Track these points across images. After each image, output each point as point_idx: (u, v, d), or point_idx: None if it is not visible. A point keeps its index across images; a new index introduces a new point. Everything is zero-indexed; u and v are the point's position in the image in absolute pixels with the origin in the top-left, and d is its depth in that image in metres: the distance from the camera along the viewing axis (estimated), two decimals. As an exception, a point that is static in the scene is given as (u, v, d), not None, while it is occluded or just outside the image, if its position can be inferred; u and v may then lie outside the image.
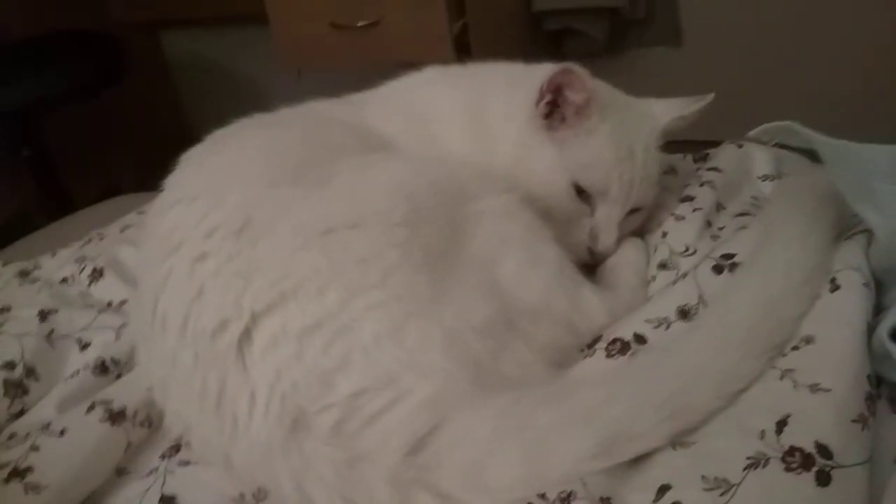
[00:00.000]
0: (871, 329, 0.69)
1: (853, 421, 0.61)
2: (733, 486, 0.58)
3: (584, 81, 0.90)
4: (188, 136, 0.90)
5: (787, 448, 0.60)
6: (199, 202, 0.79)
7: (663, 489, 0.60)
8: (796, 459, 0.59)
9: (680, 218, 0.94)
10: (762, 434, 0.61)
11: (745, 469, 0.59)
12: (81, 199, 2.03)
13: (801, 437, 0.60)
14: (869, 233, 0.74)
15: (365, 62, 1.97)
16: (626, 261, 0.93)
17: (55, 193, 2.43)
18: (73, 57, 2.35)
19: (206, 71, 3.02)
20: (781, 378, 0.66)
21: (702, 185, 1.00)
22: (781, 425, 0.61)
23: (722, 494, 0.58)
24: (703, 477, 0.60)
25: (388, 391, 0.68)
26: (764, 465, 0.59)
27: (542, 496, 0.62)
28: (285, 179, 0.80)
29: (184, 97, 3.14)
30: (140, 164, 1.94)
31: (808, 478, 0.58)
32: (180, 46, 3.06)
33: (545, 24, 2.40)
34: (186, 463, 0.78)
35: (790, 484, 0.58)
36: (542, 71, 0.93)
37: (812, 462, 0.58)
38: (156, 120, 2.87)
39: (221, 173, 0.84)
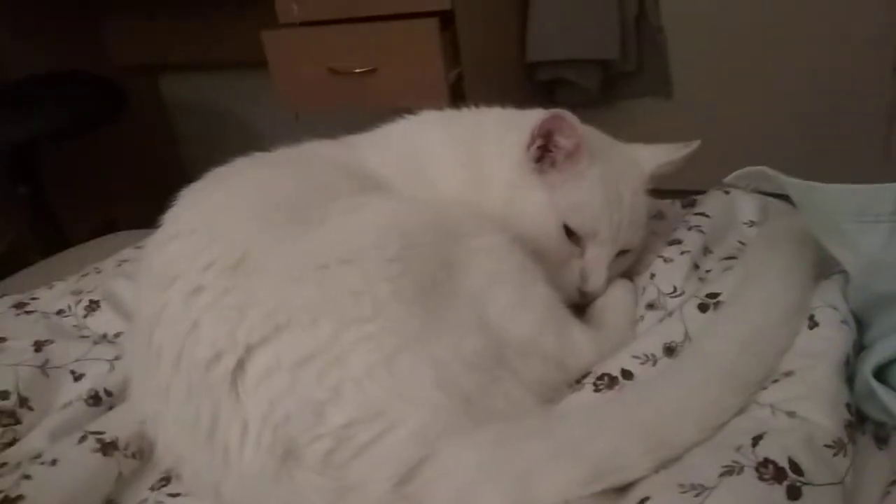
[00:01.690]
0: (853, 367, 0.71)
1: (826, 446, 0.63)
2: (708, 489, 0.60)
3: (574, 127, 0.93)
4: (184, 177, 0.92)
5: (761, 459, 0.62)
6: (196, 237, 0.80)
7: (642, 501, 0.62)
8: (769, 471, 0.61)
9: (668, 260, 0.96)
10: (739, 448, 0.63)
11: (720, 476, 0.61)
12: (76, 238, 2.05)
13: (775, 451, 0.62)
14: (846, 273, 0.77)
15: (362, 108, 2.01)
16: (615, 301, 0.95)
17: (50, 231, 2.44)
18: (70, 97, 2.39)
19: (204, 113, 3.07)
20: (760, 407, 0.69)
21: (689, 229, 1.02)
22: (757, 440, 0.64)
23: (697, 496, 0.60)
24: (679, 485, 0.62)
25: (379, 422, 0.69)
26: (738, 473, 0.61)
27: None
28: (282, 217, 0.81)
29: (181, 139, 3.18)
30: (136, 205, 1.96)
31: (780, 490, 0.59)
32: (179, 89, 3.11)
33: (538, 75, 2.46)
34: (176, 495, 0.78)
35: (762, 492, 0.59)
36: (534, 116, 0.96)
37: (784, 475, 0.60)
38: (153, 161, 2.91)
39: (219, 209, 0.85)
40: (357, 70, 2.02)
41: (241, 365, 0.71)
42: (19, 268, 1.48)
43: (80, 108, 2.38)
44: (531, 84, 2.48)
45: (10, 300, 1.12)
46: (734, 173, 0.80)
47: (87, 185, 2.64)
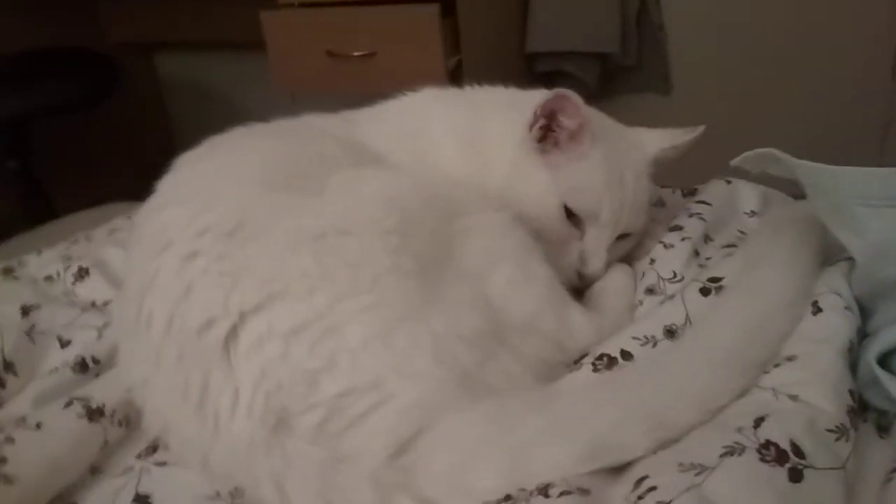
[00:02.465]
0: (856, 354, 0.71)
1: (828, 430, 0.62)
2: (708, 468, 0.59)
3: (578, 107, 0.92)
4: (175, 156, 0.90)
5: (762, 441, 0.61)
6: (191, 203, 0.79)
7: (641, 480, 0.61)
8: (771, 453, 0.60)
9: (669, 246, 0.95)
10: (740, 429, 0.63)
11: (721, 456, 0.60)
12: (65, 213, 2.03)
13: (777, 434, 0.61)
14: (852, 260, 0.76)
15: (359, 91, 1.98)
16: (613, 285, 0.94)
17: (39, 206, 2.41)
18: (65, 72, 2.36)
19: (197, 93, 3.05)
20: (762, 391, 0.68)
21: (690, 216, 1.01)
22: (759, 421, 0.63)
23: (697, 475, 0.59)
24: (679, 464, 0.61)
25: (374, 393, 0.68)
26: (740, 454, 0.60)
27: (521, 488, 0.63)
28: (279, 186, 0.80)
29: (173, 118, 3.15)
30: (125, 182, 1.94)
31: (782, 472, 0.59)
32: (173, 68, 3.08)
33: (538, 66, 2.44)
34: (163, 464, 0.76)
35: (764, 473, 0.59)
36: (537, 96, 0.94)
37: (786, 458, 0.59)
38: (144, 138, 2.88)
39: (215, 177, 0.84)
40: (355, 53, 2.00)
41: (233, 332, 0.70)
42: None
43: (76, 84, 2.36)
44: (530, 75, 2.47)
45: (-4, 265, 1.10)
46: (742, 155, 0.79)
47: (76, 160, 2.61)
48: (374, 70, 2.01)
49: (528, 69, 2.46)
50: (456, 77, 2.00)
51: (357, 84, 2.04)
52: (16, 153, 2.39)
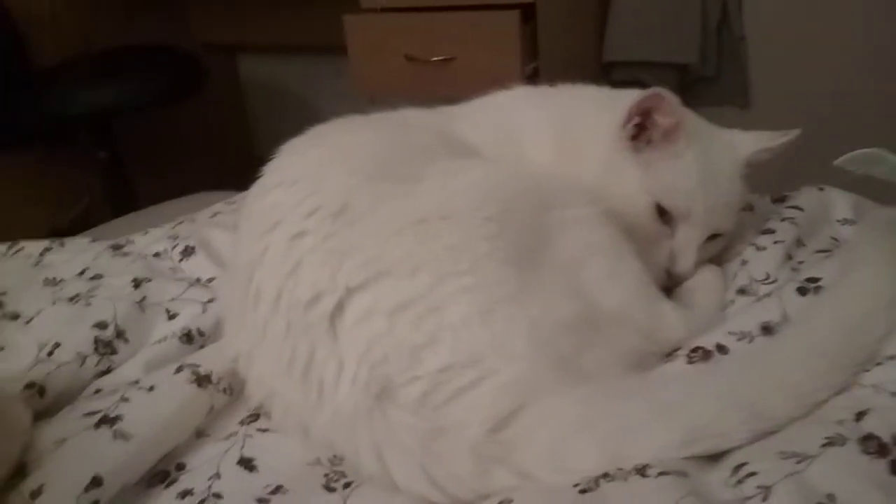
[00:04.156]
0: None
1: None
2: (810, 457, 0.60)
3: (674, 106, 0.93)
4: (252, 155, 0.93)
5: (864, 433, 0.61)
6: (299, 186, 0.83)
7: (740, 466, 0.62)
8: (873, 445, 0.60)
9: (761, 248, 0.95)
10: (841, 422, 0.63)
11: (822, 446, 0.61)
12: (145, 203, 2.11)
13: (879, 427, 0.62)
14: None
15: (437, 96, 2.01)
16: (704, 283, 0.94)
17: (124, 197, 2.51)
18: (154, 69, 2.46)
19: (276, 94, 3.13)
20: (862, 388, 0.68)
21: (782, 220, 1.00)
22: (861, 415, 0.63)
23: (798, 462, 0.60)
24: (779, 452, 0.62)
25: (475, 369, 0.70)
26: (841, 444, 0.61)
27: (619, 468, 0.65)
28: (382, 173, 0.83)
29: (252, 117, 3.24)
30: (203, 175, 2.01)
31: (883, 464, 0.59)
32: (254, 69, 3.18)
33: (614, 75, 2.44)
34: (265, 430, 0.80)
35: (865, 464, 0.59)
36: (631, 95, 0.96)
37: (888, 451, 0.60)
38: (223, 136, 2.97)
39: (322, 162, 0.87)
40: (435, 58, 2.03)
41: (340, 306, 0.73)
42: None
43: (163, 80, 2.45)
44: (607, 84, 2.46)
45: (106, 242, 1.16)
46: (847, 155, 0.79)
47: (157, 153, 2.70)
48: (453, 75, 2.03)
49: (604, 78, 2.46)
50: (533, 83, 2.02)
51: (435, 88, 2.07)
52: (106, 144, 2.49)
